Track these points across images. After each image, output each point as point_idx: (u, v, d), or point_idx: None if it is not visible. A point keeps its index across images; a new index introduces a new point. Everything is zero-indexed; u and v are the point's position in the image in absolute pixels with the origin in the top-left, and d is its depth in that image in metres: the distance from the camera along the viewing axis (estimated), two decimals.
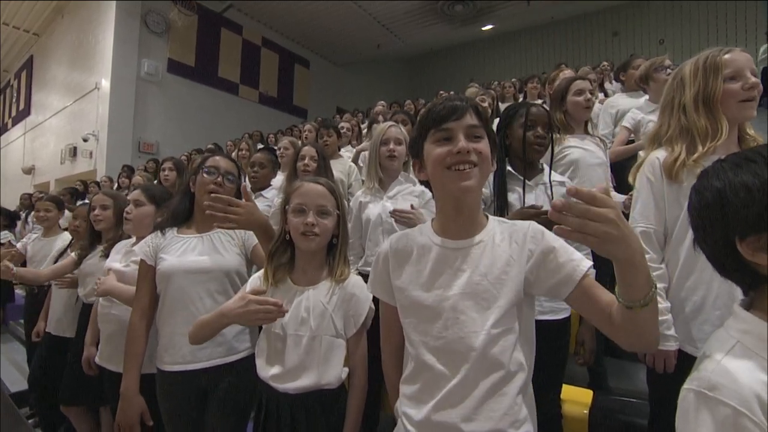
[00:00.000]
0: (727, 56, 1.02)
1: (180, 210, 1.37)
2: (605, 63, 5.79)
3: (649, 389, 1.16)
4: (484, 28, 11.20)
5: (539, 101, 2.77)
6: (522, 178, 1.38)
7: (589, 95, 1.73)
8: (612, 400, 1.34)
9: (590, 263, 0.74)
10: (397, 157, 1.75)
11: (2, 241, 3.87)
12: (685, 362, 1.04)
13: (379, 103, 5.69)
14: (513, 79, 5.60)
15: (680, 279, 1.05)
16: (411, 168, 1.77)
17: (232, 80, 9.58)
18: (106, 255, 1.89)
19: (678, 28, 9.66)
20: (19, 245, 3.58)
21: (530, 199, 1.36)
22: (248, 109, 9.87)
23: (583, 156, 1.71)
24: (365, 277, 1.72)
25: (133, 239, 1.66)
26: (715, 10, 9.03)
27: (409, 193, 1.74)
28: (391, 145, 1.74)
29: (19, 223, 4.84)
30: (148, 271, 1.31)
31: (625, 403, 1.51)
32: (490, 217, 0.86)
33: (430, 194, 1.70)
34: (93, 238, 2.04)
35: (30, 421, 2.61)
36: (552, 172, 1.46)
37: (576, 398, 1.41)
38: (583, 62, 10.80)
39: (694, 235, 0.62)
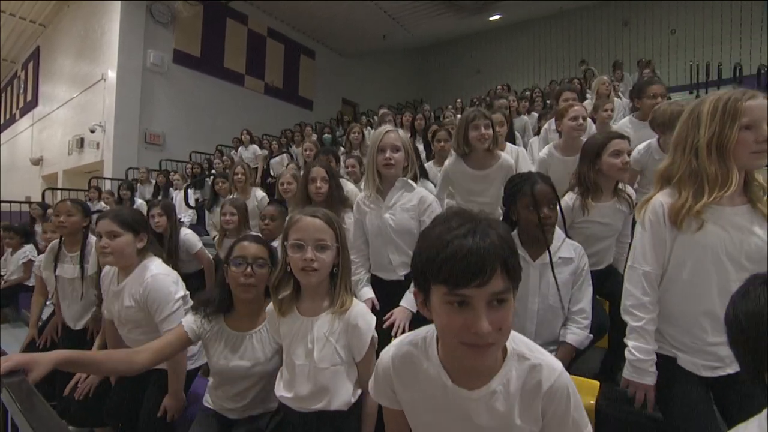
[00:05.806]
0: (747, 103, 0.98)
1: (222, 304, 1.37)
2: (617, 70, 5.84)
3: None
4: (491, 19, 11.07)
5: (577, 108, 2.41)
6: (525, 256, 1.42)
7: (626, 157, 1.64)
8: (618, 391, 1.35)
9: None
10: (394, 165, 1.63)
11: (25, 260, 3.88)
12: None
13: (382, 110, 5.70)
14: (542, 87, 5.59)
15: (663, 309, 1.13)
16: (411, 171, 1.74)
17: (238, 71, 9.57)
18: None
19: (690, 17, 9.48)
20: (37, 261, 3.56)
21: (540, 283, 1.39)
22: (254, 99, 9.87)
23: (596, 232, 1.72)
24: (375, 282, 1.73)
25: (113, 271, 1.65)
26: None
27: (407, 202, 1.66)
28: (388, 153, 1.61)
29: (39, 228, 4.79)
30: (182, 340, 1.32)
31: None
32: (509, 352, 0.74)
33: (429, 200, 1.65)
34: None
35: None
36: (563, 244, 1.47)
37: (583, 388, 1.42)
38: (592, 53, 10.67)
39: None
